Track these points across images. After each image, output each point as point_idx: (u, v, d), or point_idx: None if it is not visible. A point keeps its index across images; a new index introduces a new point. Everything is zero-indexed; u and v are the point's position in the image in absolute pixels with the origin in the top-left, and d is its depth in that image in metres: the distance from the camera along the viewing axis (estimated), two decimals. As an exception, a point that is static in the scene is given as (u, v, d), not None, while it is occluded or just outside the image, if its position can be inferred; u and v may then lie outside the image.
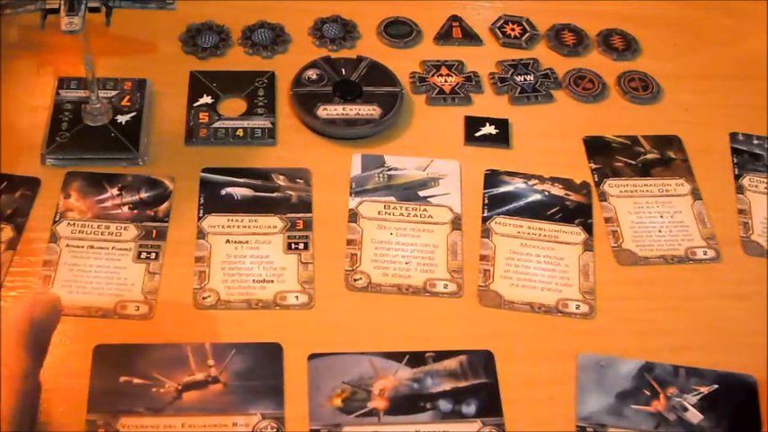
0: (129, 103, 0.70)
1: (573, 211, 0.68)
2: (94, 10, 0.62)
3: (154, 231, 0.63)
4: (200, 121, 0.70)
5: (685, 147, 0.73)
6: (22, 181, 0.65)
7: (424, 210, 0.67)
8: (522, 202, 0.68)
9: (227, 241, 0.63)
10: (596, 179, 0.70)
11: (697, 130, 0.74)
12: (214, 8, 0.80)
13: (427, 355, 0.59)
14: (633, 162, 0.71)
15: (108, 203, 0.65)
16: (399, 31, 0.80)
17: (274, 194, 0.67)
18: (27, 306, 0.50)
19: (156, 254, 0.62)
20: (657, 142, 0.73)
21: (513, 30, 0.81)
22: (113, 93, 0.71)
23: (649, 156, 0.72)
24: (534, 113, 0.75)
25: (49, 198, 0.65)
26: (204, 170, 0.67)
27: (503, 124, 0.73)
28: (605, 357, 0.59)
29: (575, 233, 0.66)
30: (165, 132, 0.70)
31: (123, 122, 0.69)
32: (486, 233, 0.66)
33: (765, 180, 0.71)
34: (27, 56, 0.74)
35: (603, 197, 0.69)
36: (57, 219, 0.63)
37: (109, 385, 0.55)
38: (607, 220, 0.67)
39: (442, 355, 0.59)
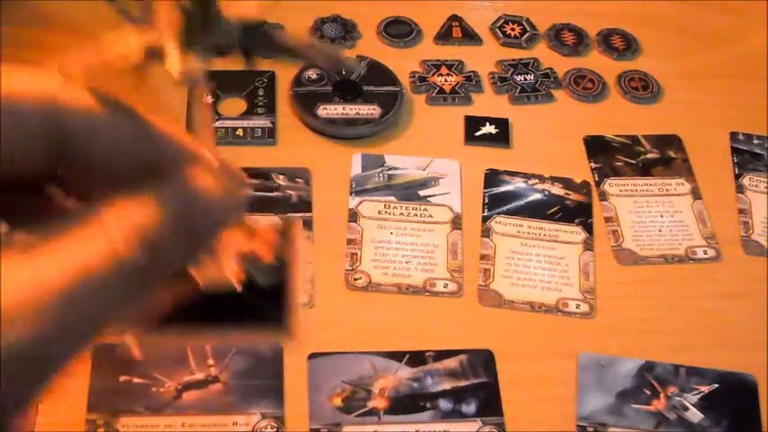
0: (128, 103, 0.70)
1: (573, 210, 0.68)
2: None
3: (154, 231, 0.63)
4: (200, 120, 0.70)
5: (685, 146, 0.73)
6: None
7: (425, 209, 0.67)
8: (522, 202, 0.68)
9: (227, 241, 0.63)
10: (596, 179, 0.70)
11: (697, 129, 0.74)
12: (214, 8, 0.79)
13: (427, 354, 0.59)
14: (633, 161, 0.71)
15: (108, 203, 0.65)
16: (399, 31, 0.80)
17: (274, 194, 0.66)
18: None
19: (156, 253, 0.62)
20: (658, 142, 0.73)
21: (513, 29, 0.81)
22: (113, 92, 0.71)
23: (650, 155, 0.72)
24: (534, 113, 0.75)
25: (48, 198, 0.65)
26: (204, 170, 0.67)
27: (503, 124, 0.73)
28: (605, 357, 0.59)
29: (575, 232, 0.66)
30: (165, 132, 0.70)
31: (123, 122, 0.69)
32: (486, 232, 0.66)
33: (765, 179, 0.71)
34: (27, 55, 0.74)
35: (604, 196, 0.69)
36: (56, 218, 0.63)
37: (109, 385, 0.55)
38: (607, 219, 0.67)
39: (442, 355, 0.58)
